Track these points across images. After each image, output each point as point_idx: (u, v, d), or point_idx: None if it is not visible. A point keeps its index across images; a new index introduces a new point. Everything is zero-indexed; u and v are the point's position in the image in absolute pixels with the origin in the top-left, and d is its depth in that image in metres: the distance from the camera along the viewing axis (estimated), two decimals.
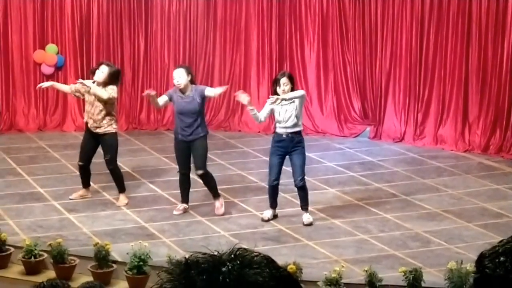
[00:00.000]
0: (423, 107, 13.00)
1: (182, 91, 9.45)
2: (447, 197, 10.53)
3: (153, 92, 9.66)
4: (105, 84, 9.68)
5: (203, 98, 9.51)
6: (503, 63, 12.24)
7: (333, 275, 7.54)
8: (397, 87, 13.14)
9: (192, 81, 9.56)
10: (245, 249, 1.92)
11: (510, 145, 12.31)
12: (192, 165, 9.68)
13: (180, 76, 9.45)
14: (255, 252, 1.93)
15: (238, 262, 1.89)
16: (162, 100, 9.70)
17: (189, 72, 9.56)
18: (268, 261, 1.92)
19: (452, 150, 12.63)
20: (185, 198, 9.81)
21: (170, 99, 9.59)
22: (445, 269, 7.68)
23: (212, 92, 9.75)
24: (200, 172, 9.56)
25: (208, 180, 9.65)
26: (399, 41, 13.02)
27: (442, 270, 7.87)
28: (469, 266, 7.46)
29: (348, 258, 8.49)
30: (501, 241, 2.12)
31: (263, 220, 9.55)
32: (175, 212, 9.78)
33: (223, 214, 9.67)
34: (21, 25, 13.34)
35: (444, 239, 9.08)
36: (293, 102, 9.27)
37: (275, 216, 9.64)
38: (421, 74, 12.94)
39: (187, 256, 1.91)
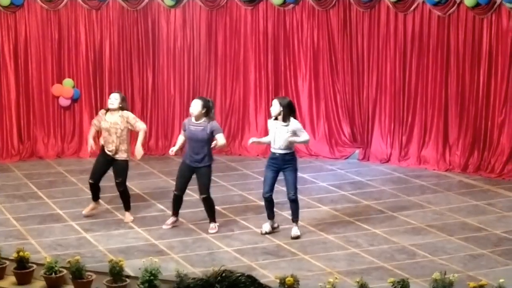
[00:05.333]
0: (407, 131, 13.01)
1: (195, 119, 9.47)
2: (430, 213, 10.50)
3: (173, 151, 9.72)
4: (120, 108, 9.80)
5: (212, 133, 9.44)
6: (479, 90, 12.26)
7: (328, 286, 7.51)
8: (383, 112, 13.16)
9: (207, 114, 9.41)
10: (230, 271, 2.00)
11: (487, 165, 12.29)
12: (189, 188, 9.70)
13: (195, 107, 9.45)
14: (239, 273, 2.00)
15: (225, 283, 1.95)
16: (180, 140, 9.73)
17: (205, 106, 9.40)
18: (252, 280, 1.98)
19: (434, 169, 12.63)
20: (175, 212, 9.76)
21: (185, 129, 9.59)
22: (430, 279, 7.65)
23: (219, 140, 9.42)
24: (203, 196, 9.57)
25: (209, 205, 9.63)
26: (384, 71, 13.06)
27: (427, 280, 7.84)
28: (452, 276, 7.43)
29: (341, 270, 8.45)
30: None
31: (261, 233, 9.51)
32: (164, 227, 9.75)
33: (214, 233, 9.61)
34: (41, 62, 13.39)
35: (429, 251, 9.04)
36: (290, 134, 9.21)
37: (274, 228, 9.58)
38: (404, 100, 12.97)
39: (178, 281, 1.97)
